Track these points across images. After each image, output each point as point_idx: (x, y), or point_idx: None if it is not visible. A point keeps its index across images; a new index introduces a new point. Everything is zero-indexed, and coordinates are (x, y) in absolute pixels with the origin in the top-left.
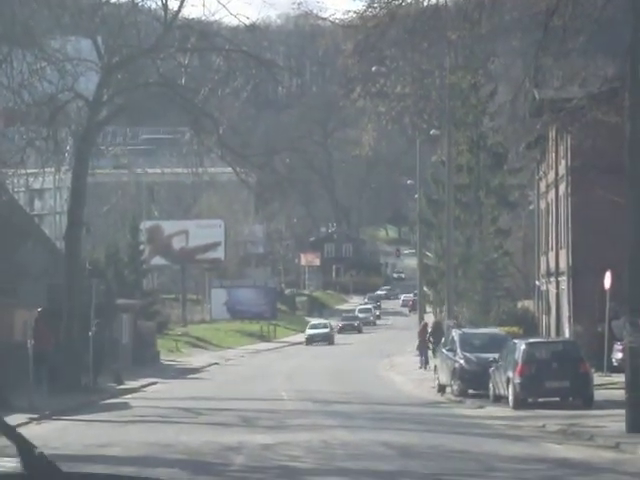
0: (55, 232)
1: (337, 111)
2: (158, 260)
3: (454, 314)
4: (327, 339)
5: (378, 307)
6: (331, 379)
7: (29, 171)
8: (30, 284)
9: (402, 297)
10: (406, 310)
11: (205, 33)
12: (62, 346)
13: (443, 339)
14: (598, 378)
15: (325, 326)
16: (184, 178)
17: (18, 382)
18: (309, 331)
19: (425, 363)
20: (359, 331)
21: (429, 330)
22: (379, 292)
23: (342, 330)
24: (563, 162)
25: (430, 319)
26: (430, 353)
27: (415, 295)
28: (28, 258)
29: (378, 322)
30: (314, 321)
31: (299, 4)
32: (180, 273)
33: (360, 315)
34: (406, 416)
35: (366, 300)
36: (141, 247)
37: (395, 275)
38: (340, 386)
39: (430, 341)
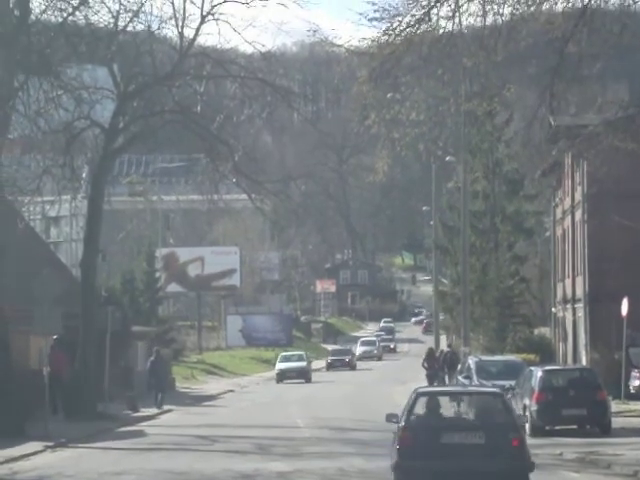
0: (71, 259)
1: (352, 138)
2: (174, 287)
3: (470, 341)
4: (302, 375)
5: (391, 339)
6: (347, 406)
7: (45, 199)
8: (46, 311)
9: (412, 319)
10: (422, 336)
11: (221, 61)
12: (78, 373)
13: (432, 365)
14: (615, 406)
15: (301, 358)
16: (199, 205)
17: (34, 409)
18: (280, 365)
19: None
20: (351, 367)
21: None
22: (389, 324)
23: (330, 367)
24: (579, 189)
25: (444, 346)
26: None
27: (426, 316)
28: (44, 285)
29: (390, 350)
30: (286, 352)
31: (314, 32)
32: (196, 300)
33: (363, 348)
34: None
35: (377, 332)
36: (157, 274)
37: (416, 310)
38: (356, 413)
39: (425, 367)
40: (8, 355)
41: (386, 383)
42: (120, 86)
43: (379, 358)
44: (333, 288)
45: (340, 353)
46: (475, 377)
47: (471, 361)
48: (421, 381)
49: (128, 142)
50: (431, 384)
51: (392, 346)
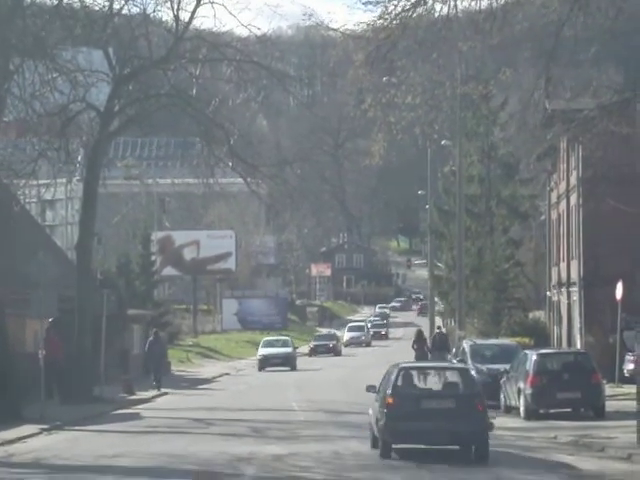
0: (66, 242)
1: (348, 121)
2: (169, 271)
3: (465, 325)
4: (287, 362)
5: (385, 324)
6: (342, 389)
7: (41, 182)
8: (41, 295)
9: (413, 307)
10: (417, 319)
11: (216, 44)
12: (73, 356)
13: (421, 346)
14: (609, 389)
15: (286, 344)
16: (195, 189)
17: (29, 393)
18: (263, 350)
19: None
20: (336, 353)
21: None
22: (384, 309)
23: (313, 352)
24: (574, 173)
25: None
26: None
27: (421, 299)
28: (39, 269)
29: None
30: (270, 337)
31: (310, 15)
32: (191, 283)
33: (351, 334)
34: None
35: (372, 317)
36: (152, 257)
37: (413, 296)
38: (351, 396)
39: (414, 348)
40: (4, 338)
41: (380, 366)
42: (115, 69)
43: (368, 344)
44: (328, 272)
45: (324, 338)
46: (470, 361)
47: (466, 345)
48: None
49: (123, 125)
50: None
51: (383, 332)
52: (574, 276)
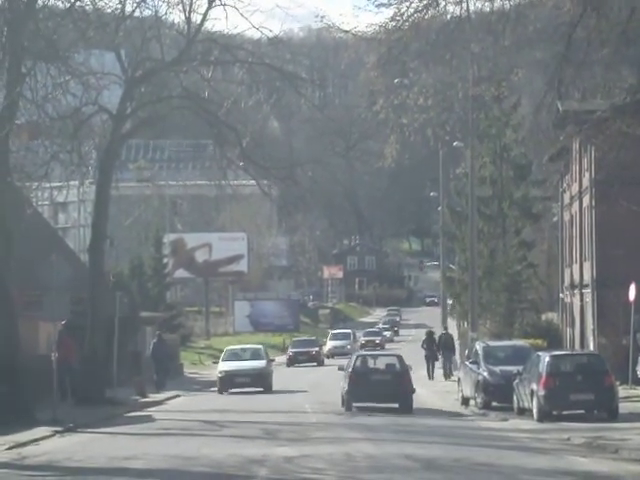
0: (79, 245)
1: (359, 123)
2: (181, 273)
3: (477, 326)
4: (259, 381)
5: (395, 331)
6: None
7: (53, 184)
8: (54, 297)
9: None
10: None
11: (228, 46)
12: (86, 359)
13: (430, 346)
14: (623, 391)
15: (257, 355)
16: (207, 191)
17: (42, 395)
18: (224, 365)
19: (432, 372)
20: (318, 362)
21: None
22: (395, 314)
23: (292, 362)
24: (587, 174)
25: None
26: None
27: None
28: (52, 271)
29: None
30: (235, 346)
31: (322, 17)
32: (203, 286)
33: (333, 343)
34: (430, 429)
35: (380, 325)
36: (164, 260)
37: (427, 300)
38: None
39: (424, 348)
40: (17, 341)
41: None
42: (127, 72)
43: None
44: (340, 274)
45: (304, 344)
46: (482, 362)
47: (479, 346)
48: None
49: (136, 128)
50: (429, 365)
51: (378, 341)
52: (587, 278)
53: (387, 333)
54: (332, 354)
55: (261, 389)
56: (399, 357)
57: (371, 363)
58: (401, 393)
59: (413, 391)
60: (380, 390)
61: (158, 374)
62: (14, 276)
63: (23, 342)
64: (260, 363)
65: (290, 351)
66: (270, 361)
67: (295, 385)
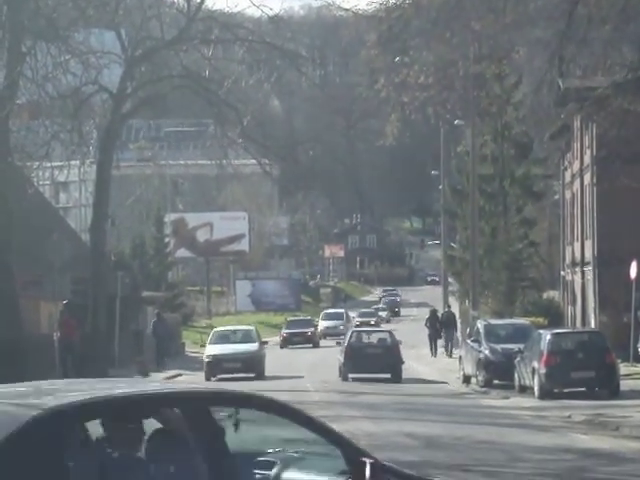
0: (80, 225)
1: (360, 102)
2: (183, 252)
3: (479, 305)
4: (252, 366)
5: (395, 312)
6: None
7: (54, 164)
8: (55, 276)
9: (428, 278)
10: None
11: (228, 25)
12: (88, 338)
13: (434, 324)
14: (624, 368)
15: (248, 337)
16: (208, 170)
17: (44, 374)
18: (212, 348)
19: (435, 350)
20: (314, 344)
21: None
22: (395, 295)
23: (286, 343)
24: (588, 152)
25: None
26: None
27: (437, 280)
28: (53, 251)
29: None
30: (225, 328)
31: None
32: (204, 265)
33: (326, 323)
34: (431, 407)
35: (380, 305)
36: (166, 240)
37: (429, 279)
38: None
39: (427, 327)
40: (18, 320)
41: None
42: (127, 51)
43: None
44: (342, 253)
45: (299, 324)
46: (484, 341)
47: (480, 325)
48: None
49: (136, 107)
50: (432, 343)
51: (373, 322)
52: (588, 255)
53: (383, 313)
54: (324, 335)
55: (252, 375)
56: (390, 333)
57: (365, 338)
58: (392, 364)
59: (402, 362)
60: (373, 362)
61: (159, 353)
62: (15, 256)
63: (25, 322)
64: (252, 346)
65: (284, 332)
66: (262, 344)
67: (290, 369)
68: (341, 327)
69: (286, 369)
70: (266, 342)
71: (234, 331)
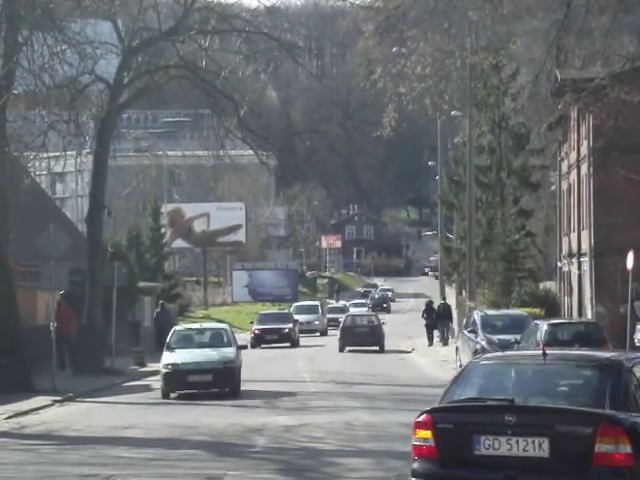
0: (77, 215)
1: (357, 93)
2: (179, 243)
3: (475, 295)
4: (222, 379)
5: (384, 308)
6: (353, 361)
7: (50, 154)
8: (52, 267)
9: (426, 270)
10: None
11: (225, 15)
12: (84, 329)
13: (430, 315)
14: None
15: (217, 340)
16: (205, 161)
17: (41, 364)
18: (171, 356)
19: (431, 339)
20: (292, 343)
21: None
22: (386, 290)
23: (258, 342)
24: (585, 142)
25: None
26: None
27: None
28: (50, 241)
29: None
30: (189, 327)
31: None
32: (201, 256)
33: (302, 317)
34: (428, 397)
35: (367, 301)
36: (162, 230)
37: (426, 270)
38: (362, 368)
39: (424, 317)
40: (15, 310)
41: (393, 338)
42: (124, 41)
43: (322, 332)
44: (339, 243)
45: (273, 318)
46: (480, 331)
47: (477, 315)
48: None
49: (133, 98)
50: (429, 333)
51: (340, 319)
52: (585, 246)
53: (315, 318)
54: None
55: (226, 388)
56: (376, 316)
57: (357, 320)
58: (377, 339)
59: (384, 337)
60: (363, 337)
61: (160, 342)
62: (12, 246)
63: (21, 312)
64: (226, 352)
65: (255, 327)
66: (240, 348)
67: (263, 375)
68: (316, 322)
69: (259, 375)
70: (245, 346)
71: (201, 330)
